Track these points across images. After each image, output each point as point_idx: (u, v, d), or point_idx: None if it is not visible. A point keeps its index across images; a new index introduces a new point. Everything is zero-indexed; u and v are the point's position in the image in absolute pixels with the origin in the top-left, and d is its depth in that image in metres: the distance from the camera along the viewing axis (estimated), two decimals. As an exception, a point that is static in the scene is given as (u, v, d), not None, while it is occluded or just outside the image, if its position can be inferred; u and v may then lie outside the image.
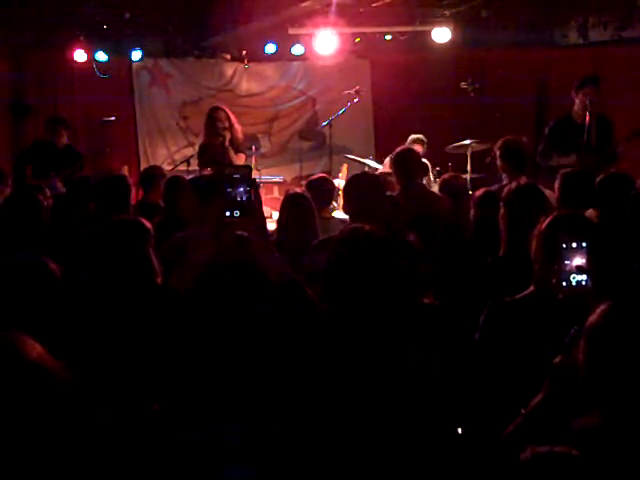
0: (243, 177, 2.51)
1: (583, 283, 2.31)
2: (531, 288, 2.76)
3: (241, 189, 2.50)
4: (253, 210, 2.52)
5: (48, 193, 5.05)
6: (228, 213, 2.50)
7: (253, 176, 2.57)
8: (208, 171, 6.59)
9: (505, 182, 5.22)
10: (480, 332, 2.79)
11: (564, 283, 2.33)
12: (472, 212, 4.25)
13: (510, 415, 2.26)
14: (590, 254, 2.30)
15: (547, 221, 2.73)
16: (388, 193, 4.52)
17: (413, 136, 7.88)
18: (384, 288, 2.37)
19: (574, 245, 2.34)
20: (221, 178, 2.56)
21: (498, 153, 5.32)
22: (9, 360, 1.50)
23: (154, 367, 2.66)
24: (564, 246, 2.34)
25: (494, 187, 5.10)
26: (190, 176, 5.68)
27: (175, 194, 4.84)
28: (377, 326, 2.34)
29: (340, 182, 7.86)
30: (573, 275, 2.33)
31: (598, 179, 4.46)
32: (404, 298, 2.39)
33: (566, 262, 2.33)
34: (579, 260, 2.33)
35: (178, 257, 3.39)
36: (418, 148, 7.31)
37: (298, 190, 4.51)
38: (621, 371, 1.71)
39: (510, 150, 5.27)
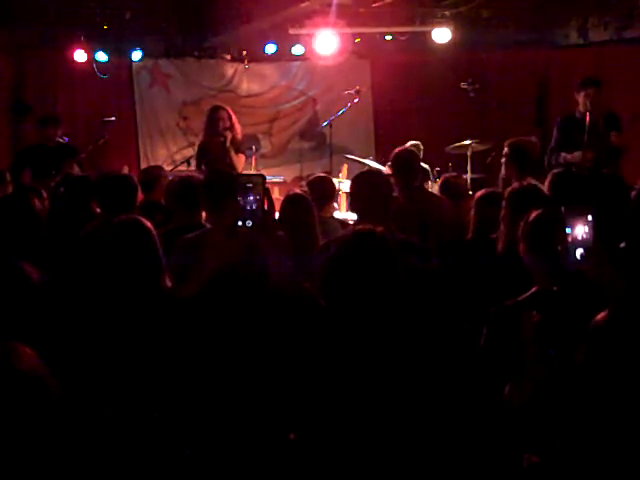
0: (256, 186, 2.49)
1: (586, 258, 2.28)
2: (534, 288, 2.75)
3: (254, 198, 2.48)
4: (265, 219, 2.50)
5: (45, 194, 5.03)
6: (240, 222, 2.49)
7: None
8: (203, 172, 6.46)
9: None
10: (485, 338, 2.76)
11: (569, 257, 2.30)
12: (472, 212, 4.22)
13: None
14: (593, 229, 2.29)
15: (530, 220, 2.73)
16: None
17: (409, 144, 7.78)
18: (387, 294, 2.32)
19: (578, 219, 2.31)
20: (233, 185, 2.54)
21: (506, 153, 5.22)
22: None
23: (156, 373, 2.63)
24: (568, 220, 2.32)
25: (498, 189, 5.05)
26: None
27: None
28: (383, 331, 2.29)
29: (341, 182, 7.89)
30: (578, 249, 2.30)
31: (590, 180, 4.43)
32: (404, 301, 2.35)
33: (570, 236, 2.30)
34: (583, 234, 2.30)
35: (189, 259, 3.33)
36: None
37: (298, 190, 4.50)
38: (618, 374, 1.71)
39: (517, 152, 5.17)
